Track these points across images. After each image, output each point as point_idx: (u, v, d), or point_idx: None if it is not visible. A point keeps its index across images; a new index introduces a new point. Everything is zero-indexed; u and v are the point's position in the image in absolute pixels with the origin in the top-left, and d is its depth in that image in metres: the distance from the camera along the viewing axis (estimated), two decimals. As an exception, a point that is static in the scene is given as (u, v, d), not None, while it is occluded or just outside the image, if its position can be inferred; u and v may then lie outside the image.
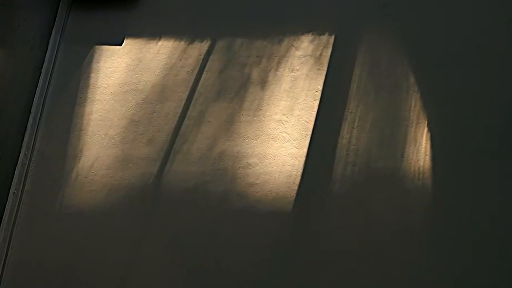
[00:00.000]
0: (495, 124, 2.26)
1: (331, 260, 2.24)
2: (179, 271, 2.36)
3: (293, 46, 2.59)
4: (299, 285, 2.24)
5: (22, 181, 2.66)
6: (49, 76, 2.83)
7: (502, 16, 2.39)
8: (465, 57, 2.38)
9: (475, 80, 2.34)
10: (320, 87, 2.49)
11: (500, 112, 2.27)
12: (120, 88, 2.74)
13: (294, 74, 2.54)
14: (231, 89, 2.59)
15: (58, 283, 2.47)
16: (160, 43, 2.77)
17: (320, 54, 2.54)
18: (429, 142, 2.30)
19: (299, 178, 2.37)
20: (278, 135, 2.46)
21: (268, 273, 2.28)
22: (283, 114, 2.49)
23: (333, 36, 2.55)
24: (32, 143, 2.72)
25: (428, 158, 2.28)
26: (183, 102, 2.63)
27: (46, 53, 2.84)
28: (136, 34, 2.82)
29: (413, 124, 2.34)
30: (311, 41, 2.57)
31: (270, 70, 2.58)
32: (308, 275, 2.24)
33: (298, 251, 2.28)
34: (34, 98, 2.77)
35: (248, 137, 2.50)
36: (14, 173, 2.66)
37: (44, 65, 2.83)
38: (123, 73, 2.76)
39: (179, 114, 2.61)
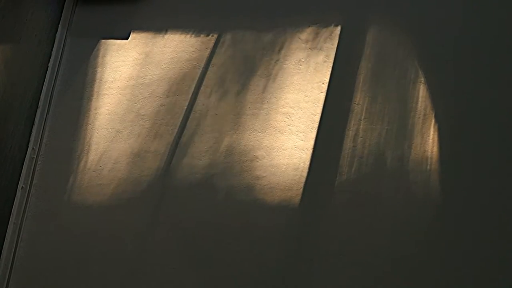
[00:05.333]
0: (503, 116, 2.25)
1: (339, 252, 2.24)
2: (187, 264, 2.37)
3: (299, 38, 2.58)
4: (307, 278, 2.24)
5: (31, 175, 2.67)
6: (56, 70, 2.83)
7: None
8: (474, 48, 2.37)
9: (483, 71, 2.32)
10: (327, 79, 2.48)
11: (509, 104, 2.25)
12: (127, 82, 2.74)
13: (300, 66, 2.54)
14: (238, 82, 2.59)
15: (67, 276, 2.48)
16: (166, 36, 2.77)
17: (327, 46, 2.53)
18: (436, 133, 2.30)
19: (306, 170, 2.37)
20: (285, 128, 2.46)
21: (276, 266, 2.28)
22: (290, 107, 2.49)
23: (339, 28, 2.54)
24: (40, 137, 2.73)
25: (435, 150, 2.27)
26: (190, 96, 2.63)
27: (52, 48, 2.85)
28: (143, 28, 2.82)
29: (421, 115, 2.33)
30: (317, 33, 2.56)
31: (276, 63, 2.57)
32: (316, 268, 2.24)
33: (306, 244, 2.28)
34: (41, 93, 2.78)
35: (255, 130, 2.50)
36: (22, 168, 2.67)
37: (51, 60, 2.84)
38: (130, 67, 2.77)
39: (185, 107, 2.62)
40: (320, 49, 2.53)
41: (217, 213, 2.41)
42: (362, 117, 2.39)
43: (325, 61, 2.51)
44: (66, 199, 2.60)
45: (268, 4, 2.68)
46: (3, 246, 2.55)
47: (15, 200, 2.62)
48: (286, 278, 2.26)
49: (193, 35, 2.74)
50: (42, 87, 2.79)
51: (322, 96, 2.46)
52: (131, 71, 2.76)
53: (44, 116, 2.76)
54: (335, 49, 2.51)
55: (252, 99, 2.55)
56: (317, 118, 2.44)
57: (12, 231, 2.58)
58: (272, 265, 2.29)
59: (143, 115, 2.66)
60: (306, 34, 2.58)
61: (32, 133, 2.72)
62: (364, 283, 2.18)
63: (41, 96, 2.78)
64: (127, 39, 2.83)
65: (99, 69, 2.81)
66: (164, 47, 2.76)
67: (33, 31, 2.70)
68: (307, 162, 2.38)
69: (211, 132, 2.55)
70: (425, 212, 2.21)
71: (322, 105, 2.45)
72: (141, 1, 2.87)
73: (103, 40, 2.86)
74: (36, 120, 2.74)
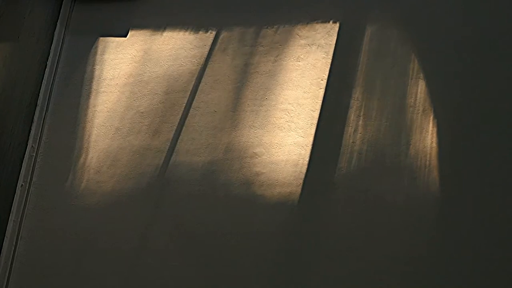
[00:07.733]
0: (503, 111, 2.25)
1: (338, 248, 2.24)
2: (186, 260, 2.37)
3: (298, 35, 2.58)
4: (306, 274, 2.24)
5: (30, 173, 2.67)
6: (54, 68, 2.83)
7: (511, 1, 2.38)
8: (473, 44, 2.37)
9: (482, 66, 2.33)
10: (326, 76, 2.49)
11: (508, 99, 2.26)
12: (125, 80, 2.74)
13: (299, 63, 2.54)
14: (237, 79, 2.59)
15: (66, 273, 2.48)
16: (165, 34, 2.77)
17: (325, 43, 2.53)
18: (435, 129, 2.30)
19: (305, 166, 2.37)
20: (284, 124, 2.47)
21: (275, 262, 2.29)
22: (289, 103, 2.49)
23: (337, 24, 2.54)
24: (39, 135, 2.73)
25: (434, 146, 2.28)
26: (189, 93, 2.63)
27: (51, 45, 2.85)
28: (141, 25, 2.82)
29: (419, 111, 2.34)
30: (316, 30, 2.56)
31: (275, 60, 2.57)
32: (316, 263, 2.24)
33: (305, 239, 2.29)
34: (40, 91, 2.78)
35: (254, 126, 2.50)
36: (21, 166, 2.67)
37: (50, 57, 2.83)
38: (129, 64, 2.77)
39: (184, 104, 2.62)
40: (319, 46, 2.54)
41: (216, 209, 2.42)
42: (361, 113, 2.40)
43: (324, 58, 2.51)
44: (65, 196, 2.60)
45: (267, 1, 2.68)
46: (3, 244, 2.55)
47: (14, 197, 2.62)
48: (285, 273, 2.26)
49: (191, 32, 2.74)
50: (41, 85, 2.78)
51: (321, 92, 2.47)
52: (130, 69, 2.76)
53: (43, 114, 2.76)
54: (334, 45, 2.51)
55: (251, 96, 2.55)
56: (316, 114, 2.44)
57: (12, 229, 2.58)
58: (271, 261, 2.29)
59: (142, 112, 2.66)
60: (304, 30, 2.58)
61: (31, 130, 2.72)
62: (363, 278, 2.18)
63: (40, 94, 2.78)
64: (125, 36, 2.83)
65: (97, 67, 2.80)
66: (163, 45, 2.76)
67: (31, 29, 2.70)
68: (306, 159, 2.39)
69: (210, 129, 2.55)
70: (424, 207, 2.21)
71: (321, 102, 2.45)
72: (139, -2, 2.88)
73: (101, 38, 2.86)
74: (35, 118, 2.74)
